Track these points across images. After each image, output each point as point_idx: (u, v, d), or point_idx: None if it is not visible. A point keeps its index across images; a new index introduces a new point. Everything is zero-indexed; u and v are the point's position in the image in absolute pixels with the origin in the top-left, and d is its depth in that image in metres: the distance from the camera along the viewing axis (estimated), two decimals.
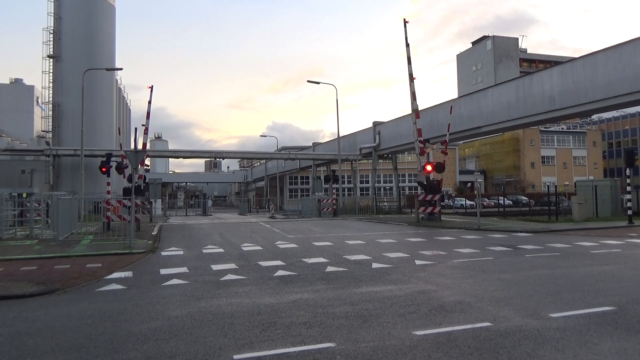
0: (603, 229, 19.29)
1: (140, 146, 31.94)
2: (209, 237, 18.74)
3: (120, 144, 29.88)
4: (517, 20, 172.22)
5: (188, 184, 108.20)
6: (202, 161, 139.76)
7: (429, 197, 25.35)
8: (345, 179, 58.01)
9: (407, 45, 30.33)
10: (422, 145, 27.90)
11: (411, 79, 29.95)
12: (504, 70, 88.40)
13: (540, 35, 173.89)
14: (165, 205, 46.61)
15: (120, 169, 23.10)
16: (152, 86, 31.60)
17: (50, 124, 44.60)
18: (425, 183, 25.75)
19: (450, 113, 28.88)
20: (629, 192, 22.69)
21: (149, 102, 32.11)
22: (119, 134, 32.34)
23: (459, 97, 44.34)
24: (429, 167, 25.63)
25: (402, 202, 46.20)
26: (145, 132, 32.07)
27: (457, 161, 74.47)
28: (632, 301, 6.88)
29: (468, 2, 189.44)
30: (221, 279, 9.47)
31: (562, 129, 78.90)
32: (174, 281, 9.24)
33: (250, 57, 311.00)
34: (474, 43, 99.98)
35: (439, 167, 25.57)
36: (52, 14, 43.13)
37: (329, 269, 10.40)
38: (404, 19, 30.37)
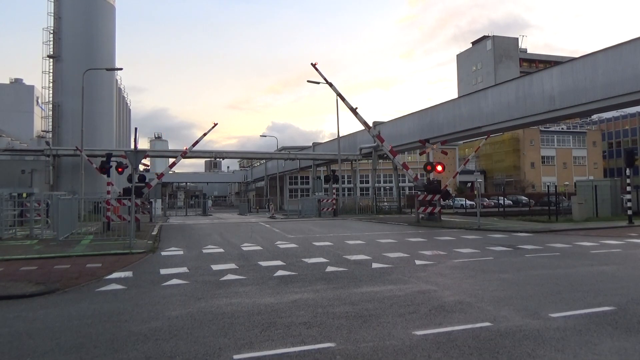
0: (603, 229, 19.28)
1: (169, 164, 33.10)
2: (209, 237, 18.74)
3: (89, 159, 30.26)
4: (511, 24, 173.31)
5: (188, 184, 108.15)
6: (202, 161, 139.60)
7: (428, 197, 25.34)
8: (345, 179, 58.00)
9: (330, 84, 31.40)
10: (396, 161, 28.38)
11: (353, 111, 30.73)
12: (504, 70, 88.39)
13: (534, 39, 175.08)
14: (165, 205, 46.61)
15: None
16: (217, 124, 33.26)
17: (50, 124, 44.63)
18: (423, 187, 25.84)
19: (487, 138, 29.49)
20: (629, 192, 22.69)
21: (204, 134, 33.79)
22: (80, 151, 32.92)
23: (459, 97, 44.35)
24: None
25: (402, 202, 46.17)
26: (183, 154, 32.83)
27: (457, 161, 74.43)
28: (632, 301, 6.88)
29: (464, 5, 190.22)
30: (221, 279, 9.47)
31: (562, 129, 78.88)
32: (174, 281, 9.24)
33: (249, 58, 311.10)
34: (474, 43, 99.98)
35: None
36: (52, 14, 43.16)
37: (329, 269, 10.40)
38: (312, 63, 31.63)
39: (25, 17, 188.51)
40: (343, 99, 31.39)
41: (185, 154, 33.77)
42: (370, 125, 46.07)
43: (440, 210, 26.82)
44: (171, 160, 38.17)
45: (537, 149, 75.25)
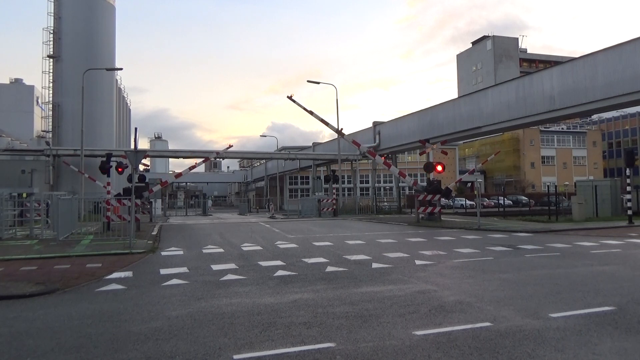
0: (603, 229, 19.29)
1: (176, 174, 33.68)
2: (209, 237, 18.74)
3: (81, 170, 30.54)
4: (509, 25, 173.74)
5: (188, 184, 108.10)
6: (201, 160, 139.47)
7: (428, 197, 25.34)
8: (345, 179, 57.97)
9: (311, 112, 32.48)
10: (392, 171, 28.64)
11: (339, 132, 32.05)
12: (504, 70, 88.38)
13: (533, 40, 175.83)
14: (165, 205, 46.60)
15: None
16: (232, 145, 35.33)
17: (50, 124, 44.62)
18: (423, 189, 25.88)
19: (496, 155, 29.54)
20: (629, 192, 22.69)
21: (217, 153, 35.88)
22: (68, 164, 33.79)
23: (459, 97, 44.34)
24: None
25: (402, 202, 46.17)
26: (191, 167, 34.02)
27: (457, 161, 74.45)
28: (632, 301, 6.88)
29: (462, 6, 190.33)
30: (221, 279, 9.47)
31: (562, 129, 78.87)
32: (174, 281, 9.24)
33: (249, 58, 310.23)
34: (474, 43, 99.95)
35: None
36: (52, 14, 43.15)
37: (329, 269, 10.40)
38: (288, 96, 32.54)
39: (25, 17, 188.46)
40: (327, 124, 32.02)
41: (194, 167, 33.93)
42: (371, 125, 46.36)
43: (440, 210, 26.82)
44: (171, 160, 38.77)
45: (537, 149, 75.25)
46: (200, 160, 36.30)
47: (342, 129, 31.30)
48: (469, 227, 21.29)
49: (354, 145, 32.18)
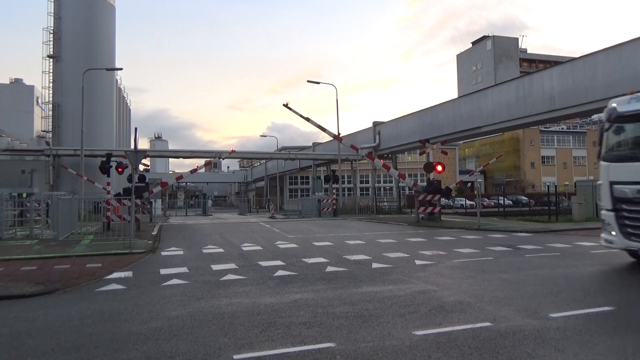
0: None
1: (177, 177, 34.11)
2: (209, 237, 18.74)
3: (79, 173, 30.63)
4: (509, 26, 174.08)
5: (188, 184, 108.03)
6: (202, 161, 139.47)
7: (428, 197, 25.34)
8: (345, 179, 57.98)
9: (307, 119, 32.47)
10: (392, 173, 28.87)
11: (337, 137, 32.78)
12: (504, 70, 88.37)
13: (533, 40, 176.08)
14: (165, 205, 46.64)
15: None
16: (234, 150, 36.45)
17: (50, 124, 44.67)
18: (423, 190, 25.94)
19: (498, 158, 29.60)
20: None
21: (219, 156, 36.62)
22: (66, 168, 35.45)
23: (459, 97, 44.33)
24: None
25: (402, 202, 46.16)
26: (193, 170, 34.32)
27: (457, 161, 74.43)
28: (632, 301, 6.89)
29: (462, 6, 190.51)
30: (221, 279, 9.47)
31: (562, 129, 78.90)
32: (174, 281, 9.24)
33: (249, 58, 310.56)
34: (474, 43, 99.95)
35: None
36: (52, 14, 43.20)
37: (329, 269, 10.40)
38: (284, 104, 32.57)
39: (25, 17, 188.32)
40: (324, 130, 32.40)
41: (195, 170, 33.99)
42: (371, 125, 46.37)
43: (440, 210, 26.81)
44: (171, 160, 39.16)
45: (537, 149, 75.26)
46: (202, 163, 36.59)
47: (339, 133, 31.52)
48: (469, 227, 21.29)
49: (353, 150, 32.33)
